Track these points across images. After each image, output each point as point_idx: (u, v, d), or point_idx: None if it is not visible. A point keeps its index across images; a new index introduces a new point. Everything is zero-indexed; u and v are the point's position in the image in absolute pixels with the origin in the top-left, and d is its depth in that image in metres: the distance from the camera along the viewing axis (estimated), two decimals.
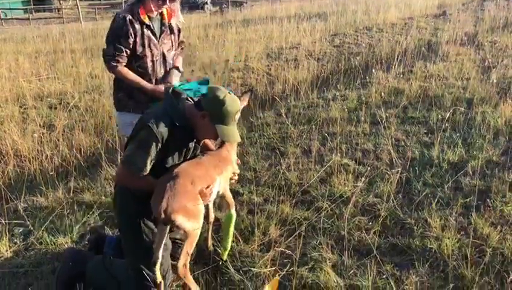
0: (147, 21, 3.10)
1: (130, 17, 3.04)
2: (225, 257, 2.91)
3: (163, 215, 2.27)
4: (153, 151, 2.33)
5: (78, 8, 21.16)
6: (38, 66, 8.53)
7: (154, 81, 3.24)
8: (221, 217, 3.38)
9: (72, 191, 3.89)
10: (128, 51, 3.09)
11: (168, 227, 2.39)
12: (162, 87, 3.14)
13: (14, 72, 8.01)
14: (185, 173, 2.40)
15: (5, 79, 7.31)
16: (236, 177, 2.82)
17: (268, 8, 17.60)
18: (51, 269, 2.91)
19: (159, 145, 2.33)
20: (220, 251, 2.95)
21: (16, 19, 22.64)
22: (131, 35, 3.05)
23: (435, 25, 11.47)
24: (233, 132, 2.42)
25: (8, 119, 5.50)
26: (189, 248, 2.40)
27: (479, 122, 5.01)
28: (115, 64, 3.08)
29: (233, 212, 2.83)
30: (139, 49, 3.12)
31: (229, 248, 2.91)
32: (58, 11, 25.11)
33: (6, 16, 23.26)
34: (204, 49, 9.53)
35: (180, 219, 2.31)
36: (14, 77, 7.67)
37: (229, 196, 2.81)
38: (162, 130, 2.31)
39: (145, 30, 3.11)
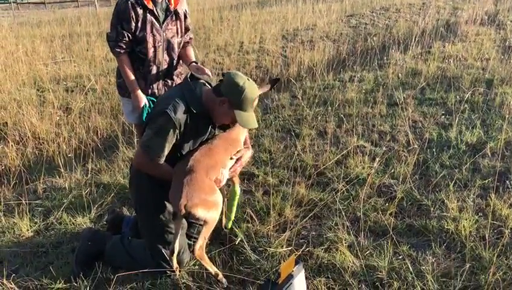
0: (150, 6, 3.01)
1: (133, 1, 2.96)
2: (229, 226, 2.96)
3: (184, 211, 2.31)
4: (171, 138, 2.35)
5: None
6: (54, 49, 8.59)
7: (156, 68, 3.17)
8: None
9: (89, 173, 3.94)
10: (131, 36, 3.03)
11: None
12: (142, 101, 3.10)
13: (31, 56, 8.07)
14: (199, 165, 2.42)
15: (22, 62, 7.37)
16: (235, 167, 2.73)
17: None
18: (71, 248, 2.97)
19: (177, 131, 2.35)
20: (235, 230, 2.98)
21: (32, 3, 22.74)
22: (133, 19, 2.98)
23: (453, 4, 11.21)
24: (252, 118, 2.42)
25: (26, 102, 5.58)
26: (206, 233, 2.44)
27: (498, 103, 4.92)
28: (119, 50, 3.04)
29: (237, 188, 2.86)
30: (140, 34, 3.04)
31: (232, 218, 2.96)
32: None
33: (22, 0, 23.37)
34: (219, 32, 9.48)
35: (200, 212, 2.35)
36: (30, 60, 7.74)
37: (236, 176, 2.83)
38: (180, 116, 2.32)
39: (148, 15, 3.02)
